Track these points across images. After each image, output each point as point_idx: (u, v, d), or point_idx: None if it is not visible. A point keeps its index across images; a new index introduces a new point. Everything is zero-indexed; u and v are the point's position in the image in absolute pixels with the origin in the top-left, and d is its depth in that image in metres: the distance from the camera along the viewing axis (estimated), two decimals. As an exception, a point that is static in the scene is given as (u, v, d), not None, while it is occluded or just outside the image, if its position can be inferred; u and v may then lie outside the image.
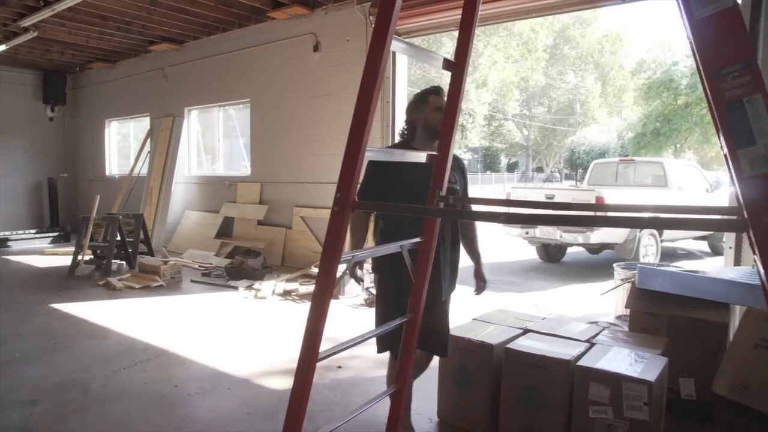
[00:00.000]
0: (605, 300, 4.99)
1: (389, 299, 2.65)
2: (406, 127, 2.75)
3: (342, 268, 1.63)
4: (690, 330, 3.11)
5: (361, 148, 1.50)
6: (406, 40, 6.90)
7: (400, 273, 2.27)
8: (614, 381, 2.43)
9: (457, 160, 2.75)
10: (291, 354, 3.96)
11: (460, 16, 1.97)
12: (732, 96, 1.07)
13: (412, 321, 1.97)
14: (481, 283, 2.86)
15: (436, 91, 2.70)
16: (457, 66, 1.89)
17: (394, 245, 1.83)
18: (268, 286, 6.33)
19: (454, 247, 2.72)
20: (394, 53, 6.12)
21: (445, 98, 2.70)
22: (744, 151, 1.05)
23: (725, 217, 1.37)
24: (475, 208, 2.59)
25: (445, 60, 1.92)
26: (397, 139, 2.96)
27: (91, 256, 7.74)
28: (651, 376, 2.42)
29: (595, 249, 8.85)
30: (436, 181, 1.93)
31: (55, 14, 7.43)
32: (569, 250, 9.56)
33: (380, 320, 2.68)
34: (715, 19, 1.08)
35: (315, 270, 6.16)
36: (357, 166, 1.50)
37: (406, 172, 2.54)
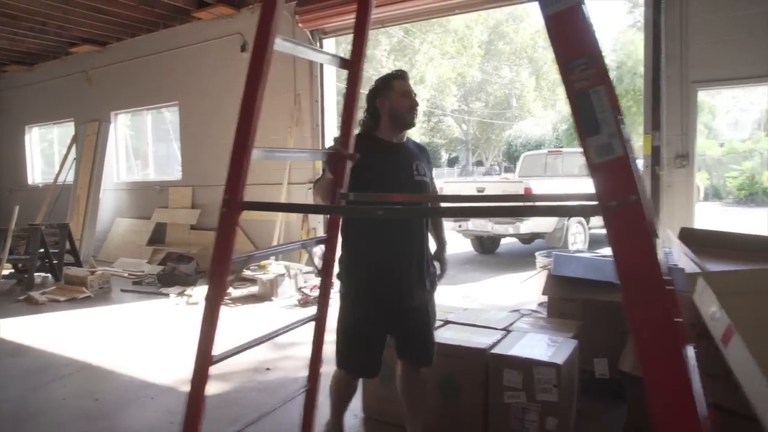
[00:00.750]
0: (531, 288, 5.14)
1: (366, 317, 2.38)
2: (367, 116, 2.48)
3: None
4: (602, 312, 3.24)
5: (246, 147, 1.50)
6: (329, 38, 6.93)
7: (381, 287, 2.14)
8: (526, 366, 2.52)
9: (423, 151, 2.60)
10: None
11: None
12: (580, 87, 1.13)
13: (320, 318, 1.98)
14: (443, 265, 2.61)
15: (401, 75, 2.48)
16: (353, 64, 1.91)
17: (297, 243, 1.83)
18: (201, 291, 6.19)
19: (422, 247, 2.45)
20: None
21: (410, 82, 2.52)
22: (591, 139, 1.12)
23: (590, 203, 1.44)
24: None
25: (341, 59, 1.94)
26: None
27: (12, 270, 7.35)
28: (560, 359, 2.52)
29: (526, 239, 9.10)
30: (338, 179, 1.95)
31: (-43, 13, 7.02)
32: (503, 241, 9.80)
33: (349, 340, 2.41)
34: (563, 16, 1.14)
35: (247, 273, 6.07)
36: (243, 165, 1.50)
37: (390, 164, 2.38)
